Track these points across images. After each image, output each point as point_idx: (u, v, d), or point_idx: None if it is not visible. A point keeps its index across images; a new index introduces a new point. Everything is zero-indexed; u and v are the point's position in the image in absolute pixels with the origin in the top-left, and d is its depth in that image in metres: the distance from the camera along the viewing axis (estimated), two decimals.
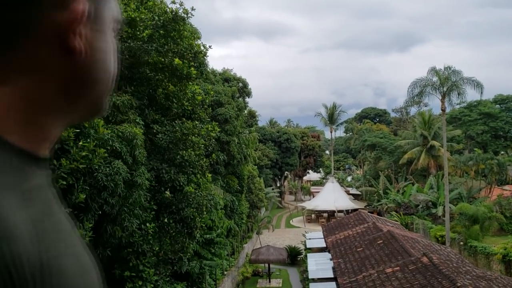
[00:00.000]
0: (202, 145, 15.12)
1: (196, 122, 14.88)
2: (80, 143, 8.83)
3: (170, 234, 15.86)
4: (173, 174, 14.15)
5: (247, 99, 45.85)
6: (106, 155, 9.68)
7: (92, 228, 10.61)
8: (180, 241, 16.13)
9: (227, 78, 35.78)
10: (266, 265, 31.41)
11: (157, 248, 15.46)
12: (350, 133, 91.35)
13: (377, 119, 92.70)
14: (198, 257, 22.72)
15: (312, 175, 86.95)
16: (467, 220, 31.03)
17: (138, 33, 12.39)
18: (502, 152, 60.12)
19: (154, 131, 14.10)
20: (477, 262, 27.52)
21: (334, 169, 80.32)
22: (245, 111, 46.02)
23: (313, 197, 62.69)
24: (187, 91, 15.06)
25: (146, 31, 12.38)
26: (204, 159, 15.72)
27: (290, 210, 64.18)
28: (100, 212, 10.69)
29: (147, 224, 14.05)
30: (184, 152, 14.33)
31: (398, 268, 17.15)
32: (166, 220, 15.39)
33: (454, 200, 39.88)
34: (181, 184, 14.85)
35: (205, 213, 17.65)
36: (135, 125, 12.02)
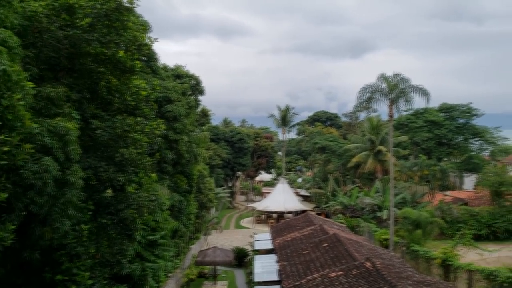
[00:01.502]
0: (145, 143, 14.40)
1: (139, 119, 14.13)
2: (2, 137, 7.99)
3: (109, 236, 15.03)
4: (111, 172, 13.36)
5: (200, 97, 45.13)
6: (33, 151, 8.86)
7: (16, 230, 9.73)
8: (118, 243, 15.33)
9: (179, 74, 34.93)
10: (213, 266, 30.90)
11: (93, 250, 14.58)
12: (302, 135, 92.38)
13: (328, 123, 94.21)
14: (140, 259, 21.86)
15: (264, 176, 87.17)
16: (410, 225, 31.86)
17: (77, 21, 11.56)
18: (445, 159, 62.62)
19: (93, 126, 13.24)
20: (418, 266, 28.26)
21: (286, 170, 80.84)
22: (198, 109, 45.26)
23: (264, 197, 62.73)
24: (131, 85, 14.29)
25: (86, 19, 11.57)
26: (148, 158, 15.00)
27: (240, 211, 63.91)
28: (26, 213, 9.83)
29: (82, 225, 13.20)
30: (125, 150, 13.57)
31: (341, 272, 17.13)
32: (104, 221, 14.56)
33: (399, 205, 40.97)
34: (121, 183, 14.07)
35: (147, 214, 16.91)
36: (70, 119, 11.17)
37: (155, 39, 14.72)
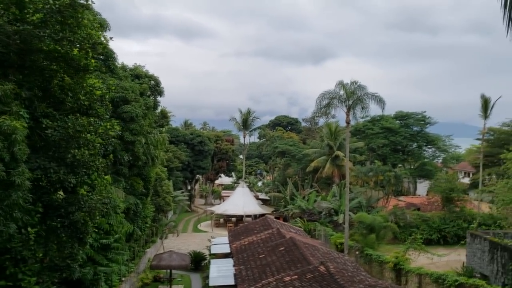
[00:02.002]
0: (99, 144, 14.02)
1: (93, 119, 13.74)
2: None
3: (59, 239, 14.51)
4: (62, 174, 12.91)
5: (159, 98, 44.44)
6: None
7: None
8: (69, 246, 14.83)
9: (138, 74, 34.27)
10: (168, 270, 30.43)
11: (41, 254, 14.05)
12: (263, 139, 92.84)
13: (289, 127, 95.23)
14: (93, 263, 21.24)
15: (224, 179, 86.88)
16: (365, 229, 32.60)
17: (28, 16, 11.12)
18: (400, 165, 64.56)
19: (44, 126, 12.76)
20: (371, 270, 28.93)
21: (246, 174, 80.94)
22: (157, 111, 44.57)
23: (223, 201, 62.48)
24: (85, 84, 13.89)
25: (37, 14, 11.15)
26: (101, 159, 14.60)
27: (198, 214, 63.36)
28: None
29: (29, 229, 12.68)
30: (77, 150, 13.16)
31: (296, 276, 17.28)
32: (54, 224, 14.03)
33: (354, 209, 41.86)
34: (72, 185, 13.62)
35: (99, 217, 16.46)
36: (18, 118, 10.72)
37: (111, 38, 14.38)
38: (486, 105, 42.70)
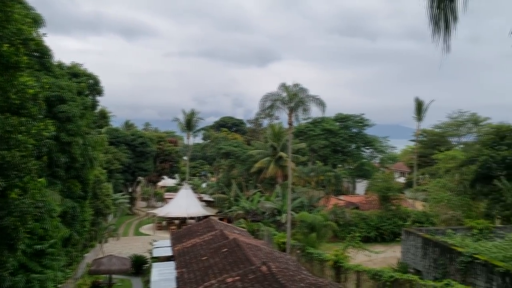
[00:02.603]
0: (31, 145, 13.33)
1: (25, 119, 13.05)
2: None
3: None
4: None
5: (98, 98, 43.00)
6: None
7: None
8: None
9: (75, 73, 32.96)
10: (108, 275, 29.52)
11: None
12: (208, 140, 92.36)
13: (234, 129, 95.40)
14: (25, 270, 20.14)
15: (167, 181, 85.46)
16: (306, 228, 33.30)
17: None
18: (340, 165, 66.69)
19: None
20: (313, 268, 29.59)
21: (190, 176, 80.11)
22: (96, 111, 43.11)
23: (166, 203, 61.49)
24: (16, 82, 13.15)
25: None
26: (34, 161, 13.88)
27: (140, 217, 61.94)
28: None
29: None
30: (6, 152, 12.44)
31: (238, 277, 17.32)
32: None
33: (297, 209, 42.66)
34: (2, 189, 12.85)
35: (32, 221, 15.66)
36: None
37: (44, 34, 13.74)
38: (420, 108, 45.09)
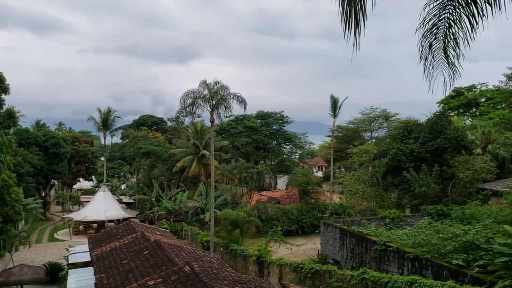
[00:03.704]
0: None
1: None
2: None
3: None
4: None
5: (3, 96, 39.98)
6: None
7: None
8: None
9: None
10: (19, 286, 27.52)
11: None
12: (127, 140, 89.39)
13: (154, 127, 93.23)
14: None
15: (83, 184, 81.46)
16: (230, 225, 33.48)
17: None
18: (262, 162, 67.84)
19: None
20: (237, 265, 29.83)
21: (108, 177, 77.03)
22: (1, 110, 40.07)
23: (83, 207, 58.61)
24: None
25: None
26: None
27: (55, 222, 58.45)
28: None
29: None
30: None
31: (160, 279, 16.98)
32: None
33: (221, 206, 42.76)
34: None
35: None
36: None
37: None
38: (335, 105, 47.02)
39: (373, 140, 66.38)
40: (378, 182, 39.08)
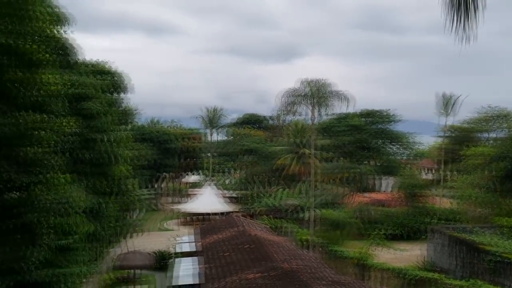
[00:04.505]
0: (53, 142, 13.53)
1: (47, 116, 13.23)
2: None
3: (11, 241, 13.92)
4: (13, 173, 12.38)
5: (124, 95, 43.44)
6: None
7: None
8: (22, 248, 14.25)
9: (100, 71, 33.37)
10: (132, 270, 29.88)
11: None
12: (231, 137, 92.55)
13: (257, 125, 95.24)
14: (50, 265, 20.53)
15: (191, 177, 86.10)
16: (330, 225, 32.93)
17: None
18: (365, 162, 65.72)
19: None
20: (336, 266, 29.21)
21: (214, 172, 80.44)
22: (121, 108, 43.58)
23: (190, 199, 61.94)
24: (39, 79, 13.35)
25: None
26: (56, 158, 14.10)
27: (165, 213, 62.52)
28: None
29: None
30: (29, 148, 12.65)
31: (259, 274, 17.21)
32: (5, 226, 13.44)
33: (320, 206, 42.27)
34: (25, 184, 13.10)
35: (56, 217, 15.89)
36: None
37: (67, 32, 13.89)
38: (447, 104, 43.91)
39: (491, 142, 60.69)
40: (494, 187, 35.63)
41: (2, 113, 12.67)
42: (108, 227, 33.57)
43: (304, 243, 33.57)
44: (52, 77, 14.15)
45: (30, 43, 12.16)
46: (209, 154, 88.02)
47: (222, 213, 50.23)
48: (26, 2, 11.45)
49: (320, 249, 31.77)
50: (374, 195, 52.93)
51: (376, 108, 68.81)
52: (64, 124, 14.14)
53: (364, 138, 63.15)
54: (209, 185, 57.82)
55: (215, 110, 65.88)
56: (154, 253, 33.39)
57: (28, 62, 12.70)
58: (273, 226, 38.93)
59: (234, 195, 63.83)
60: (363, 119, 66.11)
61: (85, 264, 25.82)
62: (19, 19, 11.56)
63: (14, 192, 13.45)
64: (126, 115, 47.25)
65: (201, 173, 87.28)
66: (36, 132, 12.71)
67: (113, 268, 30.09)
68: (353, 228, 35.19)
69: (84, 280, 25.17)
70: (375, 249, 29.07)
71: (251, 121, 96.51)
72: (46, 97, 13.74)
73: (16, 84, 13.08)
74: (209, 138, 79.91)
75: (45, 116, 13.05)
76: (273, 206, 45.46)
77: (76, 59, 27.22)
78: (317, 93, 31.56)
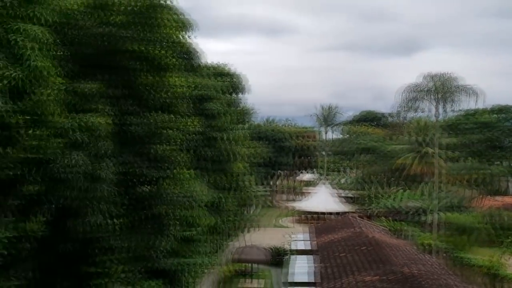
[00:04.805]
0: (179, 140, 14.51)
1: (174, 116, 14.24)
2: (30, 131, 8.22)
3: (143, 230, 15.24)
4: (145, 168, 13.54)
5: (242, 95, 44.99)
6: (61, 145, 9.07)
7: (49, 222, 10.00)
8: (152, 237, 15.53)
9: (221, 72, 35.00)
10: (249, 264, 30.87)
11: (126, 244, 14.82)
12: (347, 135, 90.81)
13: (375, 123, 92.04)
14: (176, 254, 22.07)
15: (305, 176, 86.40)
16: (456, 230, 30.54)
17: (112, 18, 11.75)
18: (497, 162, 59.67)
19: (128, 122, 13.46)
20: (462, 274, 26.98)
21: (328, 171, 79.76)
22: (239, 108, 45.28)
23: (305, 197, 62.19)
24: (166, 82, 14.42)
25: (120, 16, 11.75)
26: (182, 155, 15.11)
27: (280, 210, 63.63)
28: (57, 206, 10.10)
29: (115, 220, 13.43)
30: (158, 146, 13.72)
31: (377, 277, 16.59)
32: (138, 216, 14.77)
33: (445, 209, 39.38)
34: (155, 179, 14.25)
35: (181, 210, 17.02)
36: (103, 115, 11.38)
37: (191, 36, 14.79)
38: None
39: None
40: None
41: (136, 114, 13.91)
42: (227, 221, 35.12)
43: (426, 247, 31.55)
44: (178, 80, 15.18)
45: (159, 49, 13.16)
46: (323, 153, 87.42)
47: (337, 213, 49.53)
48: (156, 11, 12.43)
49: (444, 255, 29.61)
50: (507, 199, 47.87)
51: (510, 102, 62.07)
52: (188, 123, 15.10)
53: (496, 136, 57.36)
54: (324, 184, 57.46)
55: (330, 108, 65.25)
56: (270, 248, 34.08)
57: (157, 66, 13.77)
58: (392, 229, 37.30)
59: (349, 195, 62.56)
60: (494, 115, 60.13)
61: (207, 256, 27.35)
62: (150, 27, 12.59)
63: (146, 186, 14.69)
64: (243, 114, 49.01)
65: (315, 172, 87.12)
66: (165, 131, 13.75)
67: (231, 261, 31.38)
68: (482, 234, 32.18)
69: (205, 271, 26.63)
70: (509, 258, 26.23)
71: (368, 119, 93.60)
72: (173, 98, 14.79)
73: (147, 87, 14.27)
74: (324, 137, 79.37)
75: (172, 116, 14.06)
76: (392, 207, 43.55)
77: (199, 62, 28.97)
78: (441, 87, 29.40)
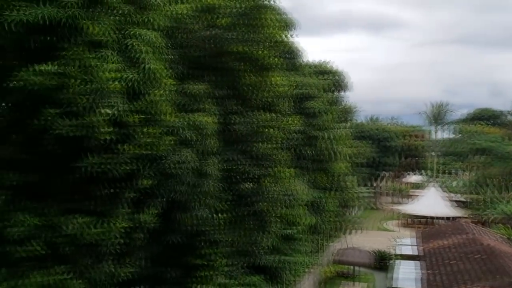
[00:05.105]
0: (280, 139, 14.67)
1: (275, 115, 14.44)
2: (145, 129, 8.89)
3: (245, 226, 15.66)
4: (248, 166, 13.90)
5: (344, 93, 44.16)
6: (172, 143, 9.68)
7: (160, 215, 10.74)
8: (254, 233, 15.90)
9: (322, 71, 34.74)
10: (352, 267, 30.24)
11: (230, 239, 15.36)
12: (459, 135, 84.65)
13: (491, 121, 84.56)
14: (277, 252, 22.33)
15: (412, 177, 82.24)
16: None
17: (218, 20, 12.26)
18: None
19: (232, 121, 13.94)
20: None
21: (438, 173, 75.04)
22: (341, 106, 44.51)
23: (412, 200, 59.29)
24: (268, 82, 14.66)
25: (226, 18, 12.20)
26: (283, 153, 15.26)
27: (384, 213, 61.36)
28: (167, 199, 10.78)
29: (219, 214, 13.98)
30: (260, 144, 14.00)
31: None
32: (241, 212, 15.21)
33: None
34: (257, 177, 14.56)
35: (282, 208, 17.19)
36: (209, 114, 11.92)
37: (293, 35, 14.85)
38: None
39: None
40: None
41: (239, 113, 14.36)
42: (328, 221, 34.71)
43: None
44: (280, 79, 15.36)
45: (262, 49, 13.44)
46: (433, 153, 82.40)
47: (447, 218, 46.48)
48: (260, 12, 12.70)
49: None
50: None
51: None
52: (289, 122, 15.21)
53: None
54: (433, 186, 54.20)
55: (440, 105, 61.37)
56: (374, 252, 33.04)
57: (260, 66, 14.07)
58: (511, 238, 33.94)
59: (462, 199, 58.33)
60: None
61: (307, 255, 27.33)
62: (254, 27, 12.91)
63: (248, 183, 15.07)
64: (345, 113, 48.11)
65: (423, 173, 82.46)
66: (266, 130, 14.00)
67: (333, 262, 30.99)
68: None
69: (306, 270, 26.63)
70: None
71: (484, 117, 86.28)
72: (275, 98, 15.00)
73: (250, 87, 14.64)
74: (433, 136, 74.77)
75: (274, 115, 14.27)
76: (511, 214, 39.66)
77: (301, 61, 29.04)
78: None
